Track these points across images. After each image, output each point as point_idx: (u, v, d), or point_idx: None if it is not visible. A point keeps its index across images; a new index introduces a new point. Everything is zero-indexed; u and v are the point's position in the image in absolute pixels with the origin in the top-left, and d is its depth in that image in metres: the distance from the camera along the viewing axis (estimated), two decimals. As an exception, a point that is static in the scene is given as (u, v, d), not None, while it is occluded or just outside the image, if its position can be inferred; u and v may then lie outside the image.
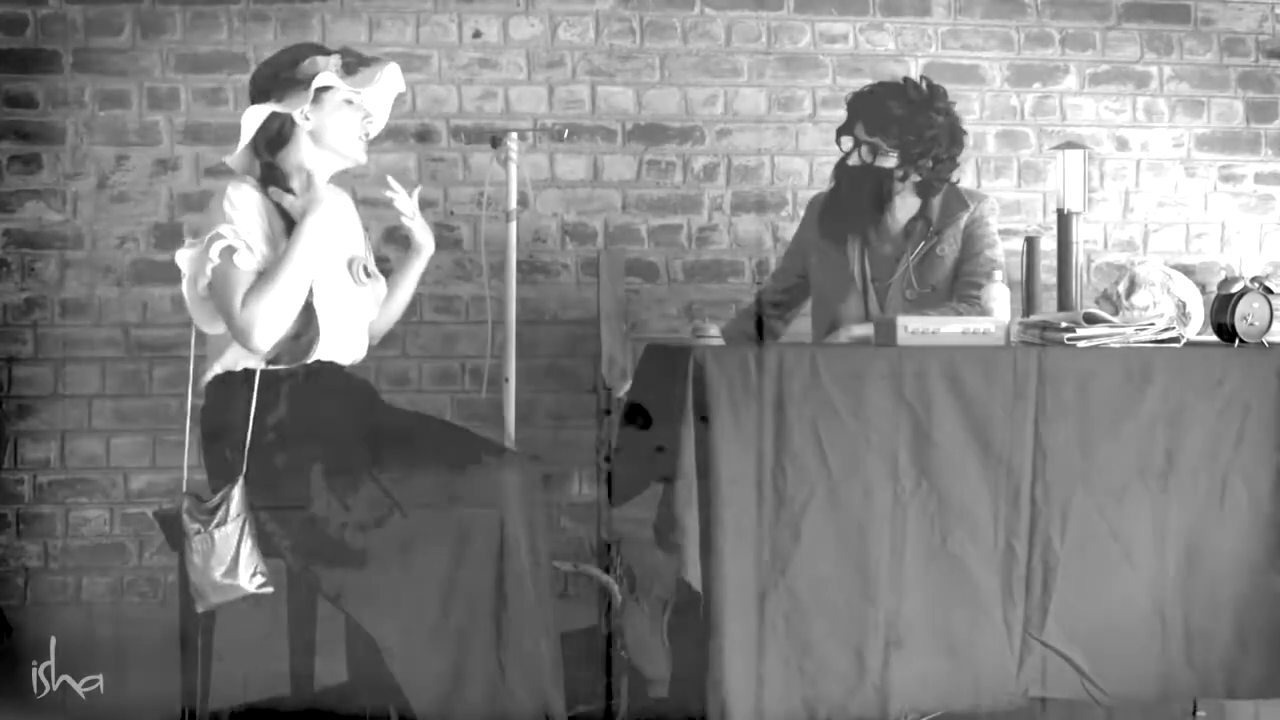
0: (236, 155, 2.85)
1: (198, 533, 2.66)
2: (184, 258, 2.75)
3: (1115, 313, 3.03)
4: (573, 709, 2.88)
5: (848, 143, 3.43)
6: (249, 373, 2.76)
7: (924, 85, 3.41)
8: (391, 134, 3.95)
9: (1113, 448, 2.85)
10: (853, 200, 3.43)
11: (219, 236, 2.71)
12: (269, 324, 2.70)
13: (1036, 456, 2.83)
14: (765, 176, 4.19)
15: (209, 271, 2.72)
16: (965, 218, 3.44)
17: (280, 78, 2.83)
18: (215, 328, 2.79)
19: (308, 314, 2.77)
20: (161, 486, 3.94)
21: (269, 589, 2.70)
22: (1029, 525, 2.84)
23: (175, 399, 3.82)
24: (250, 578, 2.67)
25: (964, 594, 2.82)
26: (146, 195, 4.00)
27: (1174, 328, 2.98)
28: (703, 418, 2.71)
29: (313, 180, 2.82)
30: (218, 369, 2.80)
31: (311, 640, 3.10)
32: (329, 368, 2.85)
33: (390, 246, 3.87)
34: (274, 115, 2.81)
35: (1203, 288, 3.33)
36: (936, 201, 3.45)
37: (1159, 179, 4.33)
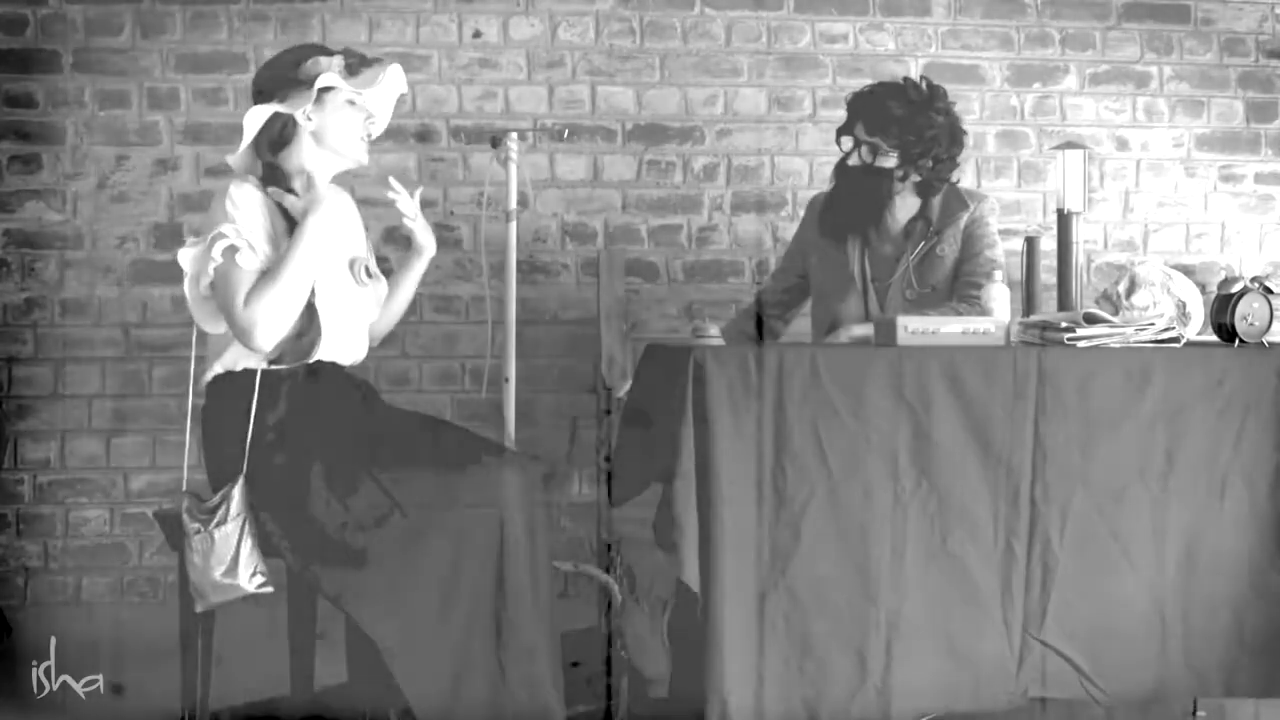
0: (238, 155, 2.84)
1: (198, 532, 2.66)
2: (186, 257, 2.75)
3: (1115, 313, 3.03)
4: (573, 709, 2.88)
5: (848, 143, 3.43)
6: (249, 372, 2.76)
7: (924, 85, 3.41)
8: (392, 134, 3.94)
9: (1112, 448, 2.86)
10: (853, 200, 3.43)
11: (222, 236, 2.71)
12: (271, 323, 2.71)
13: (1036, 456, 2.83)
14: (765, 176, 4.19)
15: (211, 271, 2.72)
16: (965, 218, 3.44)
17: (283, 78, 2.83)
18: (217, 327, 2.79)
19: (310, 314, 2.77)
20: (161, 486, 3.94)
21: (269, 589, 2.70)
22: (1029, 525, 2.84)
23: (175, 399, 3.82)
24: (250, 577, 2.67)
25: (964, 594, 2.82)
26: (146, 195, 4.00)
27: (1174, 328, 2.98)
28: (703, 418, 2.71)
29: (314, 180, 2.82)
30: (218, 369, 2.80)
31: (311, 640, 3.10)
32: (329, 368, 2.85)
33: (390, 246, 3.87)
34: (276, 116, 2.81)
35: (1203, 288, 3.34)
36: (936, 201, 3.45)
37: (1159, 179, 4.34)
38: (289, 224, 2.78)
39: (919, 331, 2.88)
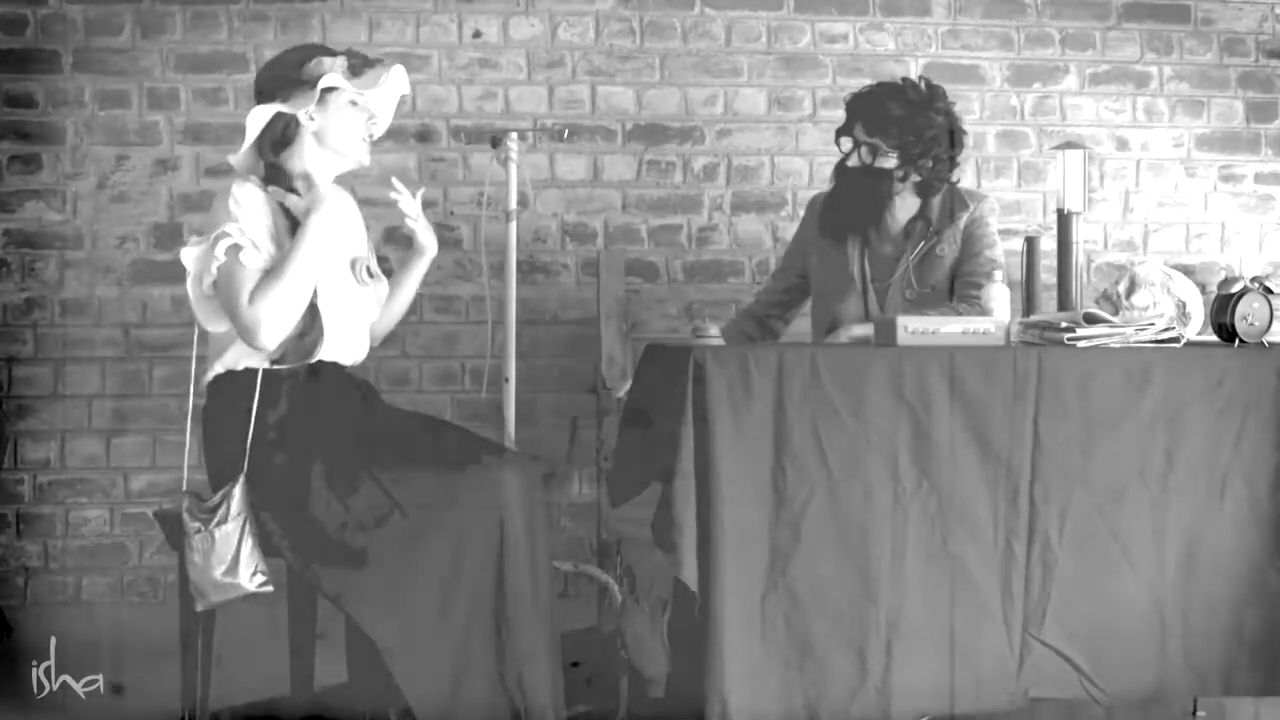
0: (240, 155, 2.84)
1: (198, 531, 2.66)
2: (189, 256, 2.76)
3: (1115, 313, 3.03)
4: (573, 709, 2.88)
5: (847, 143, 3.43)
6: (251, 372, 2.76)
7: (923, 85, 3.41)
8: (392, 134, 3.92)
9: (1112, 447, 2.85)
10: (852, 200, 3.43)
11: (225, 235, 2.71)
12: (275, 322, 2.71)
13: (1036, 456, 2.83)
14: (765, 176, 4.19)
15: (214, 270, 2.72)
16: (965, 218, 3.44)
17: (286, 78, 2.83)
18: (219, 326, 2.79)
19: (312, 314, 2.78)
20: (161, 486, 3.94)
21: (269, 588, 2.70)
22: (1028, 525, 2.84)
23: (175, 399, 3.82)
24: (251, 576, 2.67)
25: (964, 594, 2.82)
26: (146, 195, 4.00)
27: (1174, 328, 2.98)
28: (702, 418, 2.71)
29: (315, 181, 2.82)
30: (219, 368, 2.81)
31: (311, 640, 3.10)
32: (330, 368, 2.85)
33: (391, 246, 3.88)
34: (279, 116, 2.81)
35: (1203, 288, 3.33)
36: (936, 201, 3.45)
37: (1159, 179, 4.34)
38: (291, 224, 2.78)
39: (919, 331, 2.88)
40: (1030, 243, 3.32)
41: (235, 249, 2.71)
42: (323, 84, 2.80)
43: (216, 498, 2.68)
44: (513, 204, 3.33)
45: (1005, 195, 4.21)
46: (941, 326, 2.91)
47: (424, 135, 4.07)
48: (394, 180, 2.96)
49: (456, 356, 4.07)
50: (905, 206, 3.46)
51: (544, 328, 4.09)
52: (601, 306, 3.66)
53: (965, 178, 3.79)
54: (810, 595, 2.76)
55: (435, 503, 2.68)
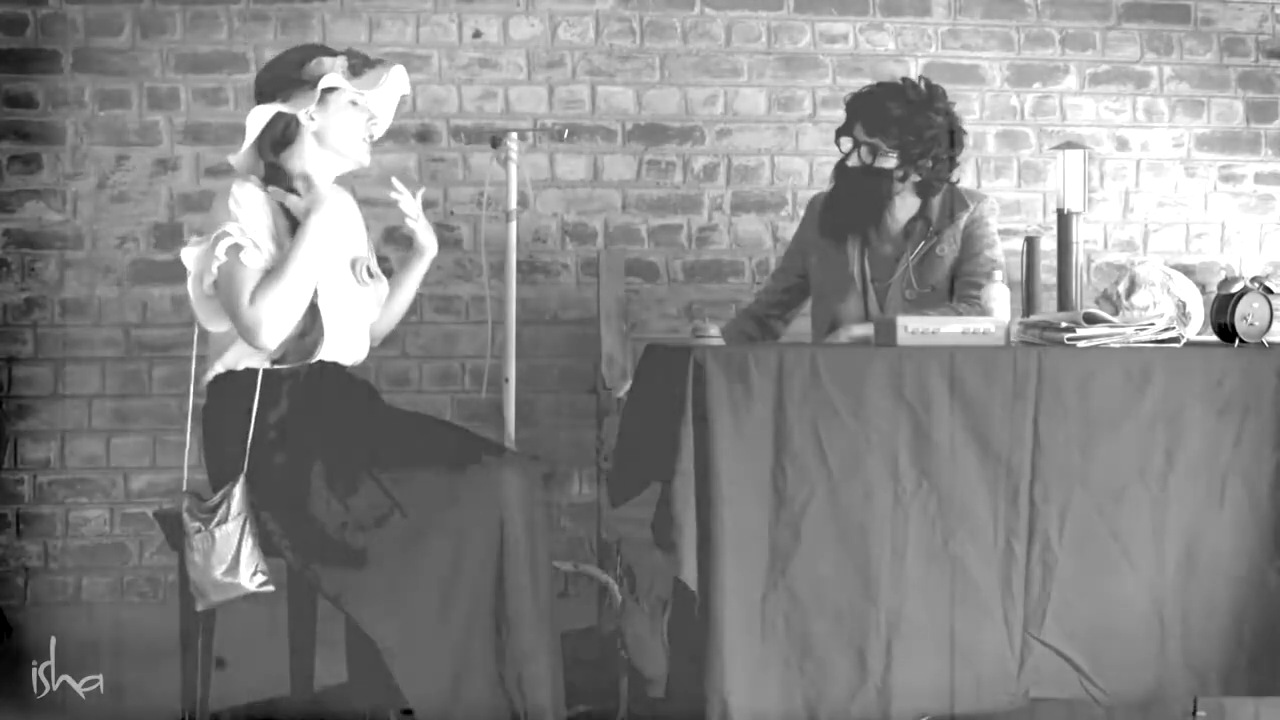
0: (240, 155, 2.84)
1: (198, 531, 2.66)
2: (190, 256, 2.76)
3: (1115, 313, 3.03)
4: (573, 709, 2.88)
5: (847, 143, 3.43)
6: (251, 372, 2.76)
7: (923, 85, 3.41)
8: (392, 134, 3.92)
9: (1112, 447, 2.85)
10: (852, 200, 3.43)
11: (225, 234, 2.71)
12: (277, 321, 2.71)
13: (1036, 456, 2.83)
14: (765, 176, 4.19)
15: (215, 269, 2.72)
16: (965, 218, 3.44)
17: (286, 78, 2.83)
18: (220, 326, 2.79)
19: (313, 313, 2.78)
20: (161, 486, 3.94)
21: (270, 588, 2.70)
22: (1028, 525, 2.84)
23: (175, 399, 3.82)
24: (251, 576, 2.67)
25: (964, 594, 2.82)
26: (146, 195, 4.00)
27: (1174, 328, 2.98)
28: (703, 418, 2.71)
29: (314, 181, 2.82)
30: (219, 368, 2.81)
31: (311, 640, 3.10)
32: (330, 367, 2.85)
33: (390, 246, 3.88)
34: (279, 116, 2.81)
35: (1203, 288, 3.33)
36: (936, 201, 3.45)
37: (1159, 179, 4.34)
38: (291, 224, 2.78)
39: (919, 331, 2.88)
40: (1030, 243, 3.32)
41: (236, 249, 2.71)
42: (323, 84, 2.80)
43: (217, 497, 2.68)
44: (513, 204, 3.33)
45: (1005, 195, 4.21)
46: (941, 326, 2.91)
47: (424, 135, 4.07)
48: (394, 181, 2.96)
49: (456, 356, 4.07)
50: (905, 206, 3.46)
51: (544, 328, 4.09)
52: (601, 306, 3.66)
53: (965, 178, 3.79)
54: (810, 595, 2.76)
55: (435, 503, 2.68)
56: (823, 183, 3.85)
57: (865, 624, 2.78)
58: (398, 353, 4.01)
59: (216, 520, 2.65)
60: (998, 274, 3.34)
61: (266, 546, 2.70)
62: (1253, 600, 2.91)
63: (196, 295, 2.78)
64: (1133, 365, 2.87)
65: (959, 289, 3.41)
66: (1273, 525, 2.91)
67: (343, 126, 2.84)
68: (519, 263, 3.41)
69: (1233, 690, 2.96)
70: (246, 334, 2.72)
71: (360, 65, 2.86)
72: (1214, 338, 3.05)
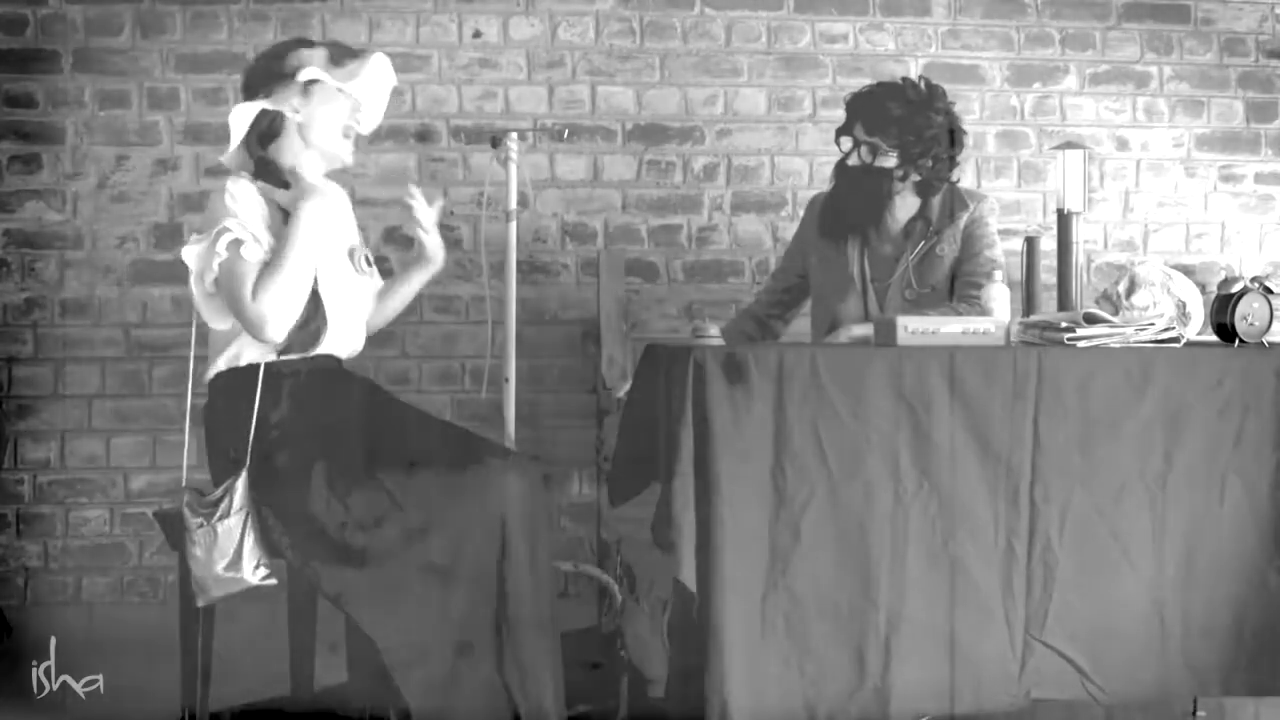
0: (230, 153, 2.85)
1: (200, 526, 2.66)
2: (190, 254, 2.76)
3: (1115, 313, 3.03)
4: (573, 709, 2.88)
5: (847, 143, 3.43)
6: (253, 368, 2.76)
7: (923, 85, 3.41)
8: (392, 134, 3.96)
9: (1112, 448, 2.85)
10: (852, 200, 3.43)
11: (225, 230, 2.71)
12: (281, 314, 2.71)
13: (1036, 456, 2.83)
14: (765, 176, 4.19)
15: (216, 266, 2.72)
16: (965, 218, 3.44)
17: (268, 72, 2.84)
18: (223, 323, 2.79)
19: (314, 302, 2.78)
20: (161, 486, 3.94)
21: (272, 580, 2.70)
22: (1029, 525, 2.84)
23: (175, 399, 3.82)
24: (254, 570, 2.67)
25: (965, 594, 2.82)
26: (146, 195, 4.00)
27: (1174, 328, 2.98)
28: (702, 418, 2.71)
29: (302, 174, 2.81)
30: (221, 365, 2.81)
31: (311, 640, 3.10)
32: (332, 364, 2.85)
33: (390, 246, 3.88)
34: (264, 111, 2.81)
35: (1203, 288, 3.33)
36: (936, 201, 3.45)
37: (1159, 179, 4.33)
38: (284, 217, 2.78)
39: (919, 331, 2.88)
40: (1030, 243, 3.32)
41: (236, 244, 2.71)
42: (302, 76, 2.80)
43: (219, 491, 2.68)
44: (513, 204, 3.33)
45: (1005, 195, 4.21)
46: (941, 326, 2.91)
47: (424, 135, 4.07)
48: (411, 188, 2.95)
49: (456, 356, 4.07)
50: (905, 206, 3.46)
51: (544, 328, 4.08)
52: (601, 306, 3.66)
53: (965, 178, 3.79)
54: (810, 595, 2.76)
55: (435, 503, 2.68)
56: (823, 183, 3.85)
57: (865, 624, 2.78)
58: (398, 353, 4.01)
59: (219, 515, 2.65)
60: (998, 274, 3.34)
61: (268, 545, 2.70)
62: (1253, 600, 2.91)
63: (199, 293, 2.78)
64: (1133, 365, 2.87)
65: (959, 289, 3.41)
66: (1273, 525, 2.91)
67: (326, 118, 2.84)
68: (519, 263, 3.41)
69: (1233, 690, 2.95)
70: (252, 329, 2.72)
71: (341, 56, 2.86)
72: (1214, 338, 3.05)
